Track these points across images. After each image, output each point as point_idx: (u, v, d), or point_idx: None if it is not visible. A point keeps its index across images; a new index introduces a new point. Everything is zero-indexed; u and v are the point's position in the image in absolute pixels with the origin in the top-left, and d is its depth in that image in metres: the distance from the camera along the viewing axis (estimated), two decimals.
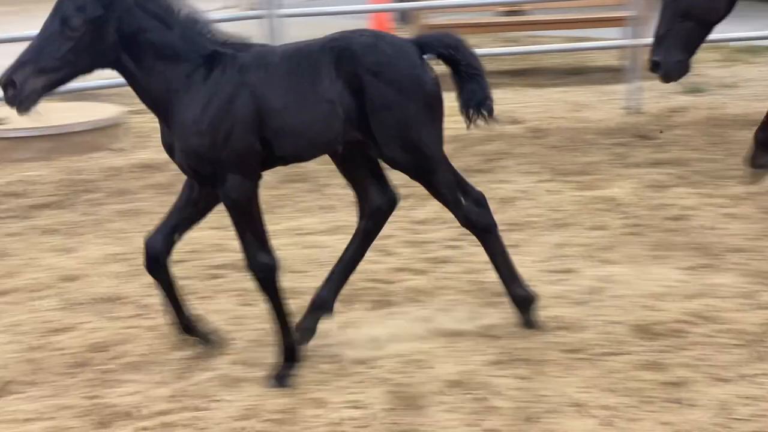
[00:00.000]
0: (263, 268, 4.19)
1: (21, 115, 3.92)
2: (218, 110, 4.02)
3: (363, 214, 4.64)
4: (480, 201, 4.55)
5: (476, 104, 4.31)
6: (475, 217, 4.52)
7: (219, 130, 4.02)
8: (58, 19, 3.87)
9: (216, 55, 4.07)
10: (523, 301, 4.74)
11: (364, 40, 4.21)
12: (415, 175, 4.40)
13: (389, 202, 4.62)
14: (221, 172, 4.06)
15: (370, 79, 4.14)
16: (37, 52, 3.87)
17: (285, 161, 4.29)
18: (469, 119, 4.34)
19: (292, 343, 4.34)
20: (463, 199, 4.50)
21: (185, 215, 4.36)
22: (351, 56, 4.14)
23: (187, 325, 4.56)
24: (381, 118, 4.18)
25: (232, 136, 4.03)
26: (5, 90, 3.87)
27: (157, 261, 4.34)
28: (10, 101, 3.88)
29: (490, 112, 4.33)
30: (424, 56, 4.31)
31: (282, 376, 4.30)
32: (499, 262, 4.66)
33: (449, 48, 4.32)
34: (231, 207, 4.13)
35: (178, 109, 4.05)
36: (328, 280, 4.67)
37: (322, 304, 4.63)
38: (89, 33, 3.89)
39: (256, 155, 4.10)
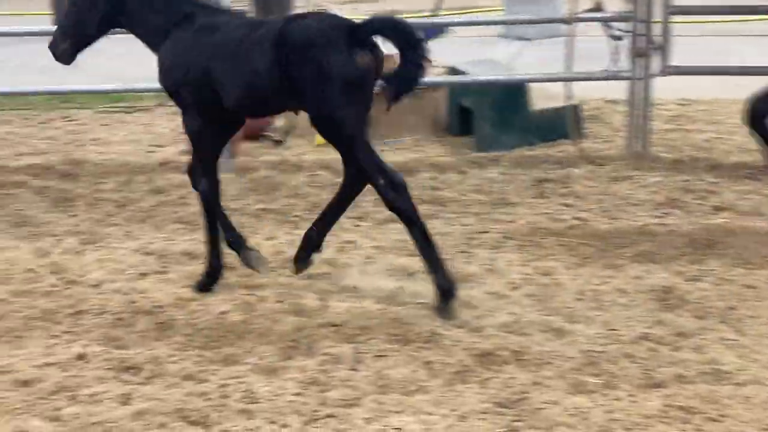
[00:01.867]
0: (201, 194, 5.17)
1: (65, 65, 5.25)
2: (178, 59, 5.00)
3: (344, 180, 5.14)
4: (397, 186, 4.81)
5: (402, 83, 4.60)
6: (392, 198, 4.79)
7: (177, 75, 5.01)
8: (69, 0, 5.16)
9: (187, 16, 5.04)
10: (444, 289, 4.93)
11: (300, 22, 4.75)
12: (336, 148, 4.89)
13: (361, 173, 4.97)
14: (182, 106, 5.11)
15: (295, 58, 4.64)
16: (62, 23, 5.22)
17: (237, 113, 5.06)
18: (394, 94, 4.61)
19: (215, 264, 5.29)
20: (382, 181, 4.78)
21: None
22: (284, 36, 4.69)
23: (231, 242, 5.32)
24: (305, 93, 4.68)
25: (186, 80, 4.97)
26: (50, 50, 5.21)
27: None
28: (55, 59, 5.25)
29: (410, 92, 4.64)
30: (366, 39, 4.66)
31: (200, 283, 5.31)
32: (422, 248, 4.89)
33: (387, 30, 4.63)
34: (187, 135, 5.17)
35: (158, 55, 5.12)
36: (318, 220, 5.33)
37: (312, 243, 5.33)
38: (86, 6, 5.09)
39: (207, 101, 4.95)
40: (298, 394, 4.29)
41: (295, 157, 8.01)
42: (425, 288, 5.10)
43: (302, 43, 4.65)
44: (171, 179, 7.46)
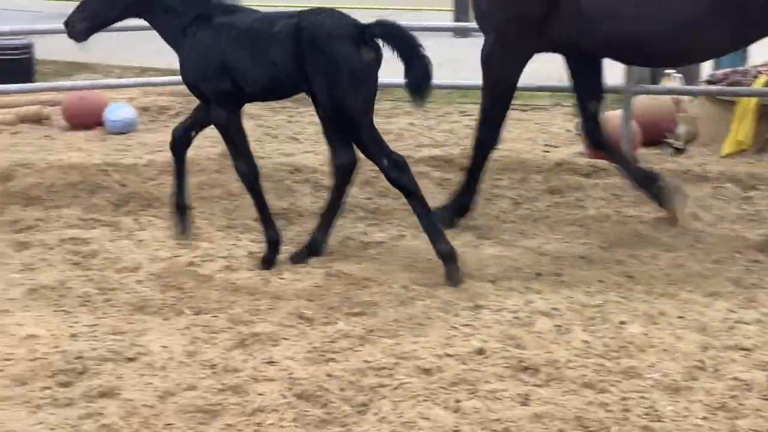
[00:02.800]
0: (243, 176, 5.62)
1: (78, 43, 5.64)
2: (199, 56, 5.48)
3: (331, 173, 5.67)
4: (399, 164, 5.33)
5: (413, 85, 5.18)
6: (395, 176, 5.32)
7: (199, 70, 5.49)
8: None
9: (204, 15, 5.49)
10: (445, 255, 5.40)
11: (315, 18, 5.29)
12: (343, 131, 5.39)
13: (350, 163, 5.57)
14: (204, 100, 5.61)
15: (310, 48, 5.19)
16: (83, 6, 5.58)
17: (255, 98, 5.69)
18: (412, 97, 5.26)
19: (273, 236, 5.66)
20: (386, 161, 5.29)
21: (199, 120, 5.79)
22: (300, 29, 5.24)
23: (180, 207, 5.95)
24: (317, 80, 5.23)
25: (207, 76, 5.45)
26: (65, 27, 5.61)
27: (178, 146, 5.83)
28: (68, 36, 5.63)
29: (425, 96, 5.23)
30: (371, 38, 5.20)
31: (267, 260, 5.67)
32: (422, 219, 5.42)
33: (390, 34, 5.19)
34: (216, 127, 5.62)
35: (179, 51, 5.59)
36: (318, 227, 5.81)
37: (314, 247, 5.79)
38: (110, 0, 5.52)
39: (229, 92, 5.45)
40: (704, 418, 4.05)
41: (698, 167, 7.68)
42: None
43: (317, 35, 5.20)
44: (567, 180, 7.38)
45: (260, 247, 5.86)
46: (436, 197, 7.10)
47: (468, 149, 6.65)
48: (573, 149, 8.25)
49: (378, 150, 5.35)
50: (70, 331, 4.93)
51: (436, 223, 5.46)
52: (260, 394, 4.24)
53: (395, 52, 5.18)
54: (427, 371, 4.48)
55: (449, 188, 7.25)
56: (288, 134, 9.19)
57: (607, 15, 5.85)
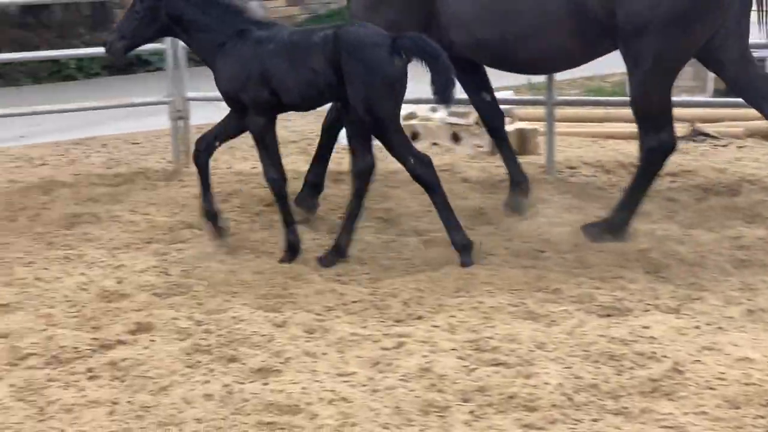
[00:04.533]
0: (272, 182, 5.91)
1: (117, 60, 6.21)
2: (238, 70, 5.78)
3: (352, 178, 5.93)
4: (425, 162, 5.73)
5: (438, 91, 5.57)
6: (420, 172, 5.70)
7: (238, 82, 5.78)
8: (132, 5, 5.88)
9: (241, 31, 5.83)
10: (462, 246, 5.74)
11: (351, 29, 5.72)
12: (372, 133, 5.74)
13: (370, 167, 5.84)
14: (244, 110, 5.85)
15: (346, 57, 5.57)
16: (121, 24, 5.95)
17: (293, 108, 5.99)
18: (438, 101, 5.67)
19: (294, 240, 5.96)
20: (412, 159, 5.69)
21: (223, 131, 6.14)
22: (339, 40, 5.62)
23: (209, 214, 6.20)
24: (353, 86, 5.59)
25: (246, 86, 5.75)
26: (104, 47, 6.00)
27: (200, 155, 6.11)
28: (107, 53, 5.99)
29: (449, 100, 5.63)
30: (401, 48, 5.60)
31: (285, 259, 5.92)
32: (442, 213, 5.78)
33: (417, 46, 5.59)
34: (252, 134, 5.90)
35: (216, 65, 5.91)
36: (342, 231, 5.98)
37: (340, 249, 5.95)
38: (148, 15, 5.82)
39: (267, 101, 5.76)
40: None
41: None
42: None
43: (354, 43, 5.60)
44: None
45: None
46: None
47: None
48: None
49: (406, 150, 5.75)
50: None
51: (455, 217, 5.82)
52: None
53: (422, 62, 5.62)
54: None
55: None
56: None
57: (459, 23, 6.26)
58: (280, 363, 4.58)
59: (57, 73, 13.26)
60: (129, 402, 4.25)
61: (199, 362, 4.61)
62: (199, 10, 5.86)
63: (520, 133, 8.65)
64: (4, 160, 8.94)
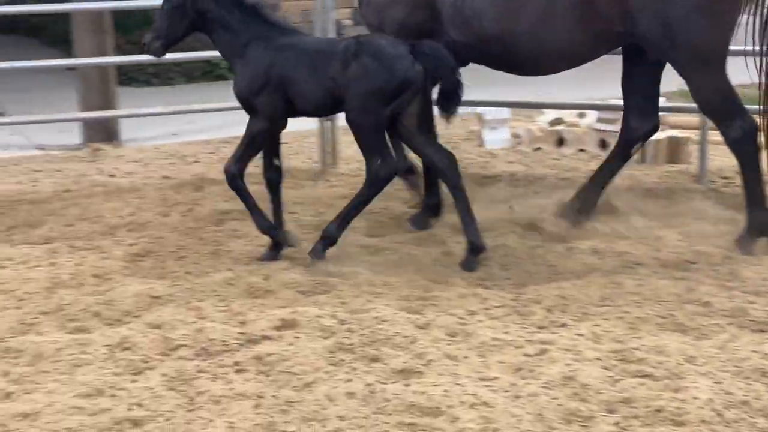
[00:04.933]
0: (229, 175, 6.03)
1: (157, 57, 6.20)
2: (257, 72, 5.89)
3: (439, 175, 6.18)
4: (449, 160, 5.91)
5: (444, 99, 5.75)
6: (445, 169, 5.89)
7: (255, 86, 5.88)
8: (162, 4, 6.02)
9: (263, 36, 5.95)
10: (472, 247, 5.88)
11: (373, 39, 5.86)
12: (396, 134, 5.97)
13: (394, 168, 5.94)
14: (251, 112, 5.99)
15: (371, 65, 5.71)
16: (156, 24, 6.07)
17: (305, 114, 6.11)
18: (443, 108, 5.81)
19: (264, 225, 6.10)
20: (436, 157, 5.92)
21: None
22: (359, 47, 5.74)
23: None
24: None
25: (262, 92, 5.86)
26: (143, 47, 6.13)
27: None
28: (146, 53, 6.13)
29: (454, 112, 5.79)
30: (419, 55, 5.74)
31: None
32: (462, 210, 5.90)
33: (431, 55, 5.73)
34: (246, 132, 6.01)
35: (236, 66, 6.04)
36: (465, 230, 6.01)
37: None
38: (177, 12, 5.97)
39: (280, 107, 5.90)
40: None
41: None
42: None
43: (377, 52, 5.73)
44: None
45: None
46: None
47: None
48: None
49: (429, 148, 5.96)
50: None
51: (473, 216, 5.90)
52: None
53: (434, 70, 5.76)
54: None
55: None
56: None
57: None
58: (422, 365, 4.59)
59: (209, 72, 13.61)
60: (274, 396, 4.33)
61: (342, 360, 4.66)
62: (224, 9, 5.99)
63: (673, 140, 8.45)
64: (159, 156, 9.25)
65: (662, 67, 6.43)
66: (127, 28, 12.91)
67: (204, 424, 4.13)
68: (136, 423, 4.15)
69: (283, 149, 9.25)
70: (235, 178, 6.02)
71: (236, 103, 6.12)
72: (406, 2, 6.38)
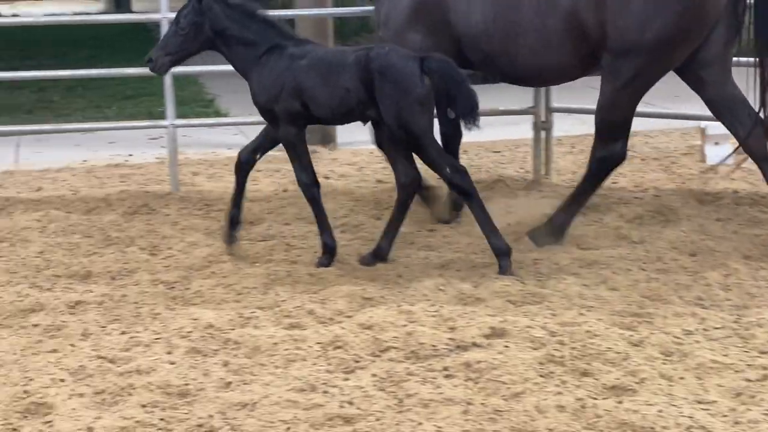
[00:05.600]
0: (304, 186, 6.20)
1: (160, 75, 6.56)
2: (273, 81, 6.04)
3: (397, 187, 6.21)
4: (461, 171, 5.95)
5: (463, 115, 5.85)
6: (457, 181, 5.93)
7: (272, 93, 6.04)
8: (175, 23, 6.15)
9: (277, 46, 6.10)
10: (500, 250, 5.94)
11: (383, 51, 5.96)
12: (409, 148, 6.00)
13: (415, 179, 6.16)
14: (276, 120, 6.13)
15: (378, 76, 5.82)
16: (165, 41, 6.19)
17: (321, 121, 6.31)
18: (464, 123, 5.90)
19: (330, 243, 6.22)
20: (448, 170, 5.93)
21: (263, 144, 6.44)
22: (369, 60, 5.89)
23: (233, 219, 6.48)
24: (385, 104, 5.84)
25: (279, 98, 6.00)
26: (147, 63, 6.16)
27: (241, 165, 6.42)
28: (151, 70, 6.21)
29: (475, 123, 5.83)
30: (429, 68, 5.83)
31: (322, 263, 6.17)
32: (480, 219, 5.98)
33: (442, 67, 5.82)
34: (283, 142, 6.22)
35: (252, 77, 6.17)
36: (383, 236, 6.26)
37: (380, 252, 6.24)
38: (192, 30, 6.07)
39: (298, 113, 6.04)
40: None
41: None
42: None
43: (387, 65, 5.85)
44: None
45: None
46: None
47: None
48: None
49: (443, 162, 5.96)
50: None
51: (492, 223, 5.98)
52: None
53: (445, 83, 5.81)
54: None
55: None
56: None
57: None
58: (635, 382, 4.47)
59: None
60: (482, 404, 4.32)
61: (552, 373, 4.60)
62: (240, 24, 6.13)
63: None
64: (373, 161, 9.32)
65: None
66: (344, 34, 13.23)
67: (413, 427, 4.16)
68: (347, 420, 4.23)
69: (497, 158, 9.41)
70: (309, 187, 6.19)
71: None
72: (423, 26, 6.61)
